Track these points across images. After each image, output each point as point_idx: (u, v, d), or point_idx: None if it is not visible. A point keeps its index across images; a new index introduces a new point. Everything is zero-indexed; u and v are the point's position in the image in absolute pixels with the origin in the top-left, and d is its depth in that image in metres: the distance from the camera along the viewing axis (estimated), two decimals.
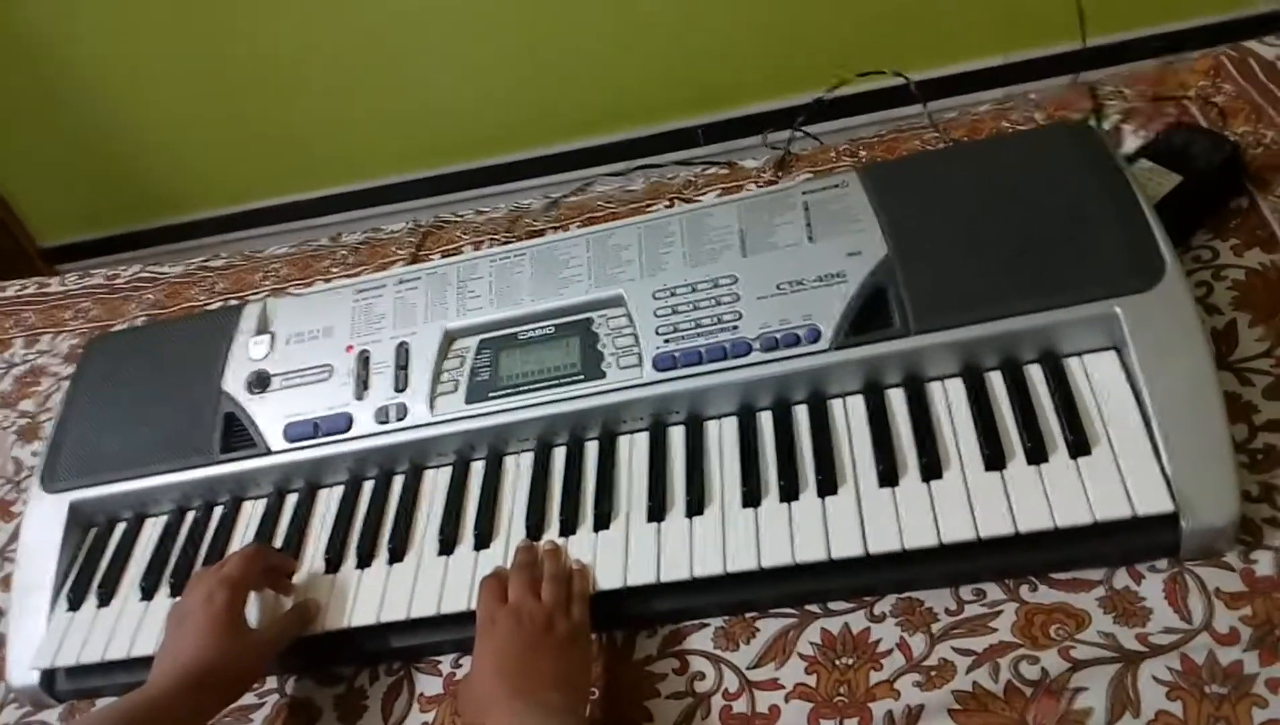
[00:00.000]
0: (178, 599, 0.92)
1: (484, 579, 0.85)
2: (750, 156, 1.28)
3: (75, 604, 0.97)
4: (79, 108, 2.55)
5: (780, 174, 1.21)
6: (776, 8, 2.16)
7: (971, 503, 0.77)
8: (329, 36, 2.32)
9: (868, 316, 0.87)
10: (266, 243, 1.48)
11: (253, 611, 0.89)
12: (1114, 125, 1.07)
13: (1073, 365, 0.83)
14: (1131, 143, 1.04)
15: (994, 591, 0.77)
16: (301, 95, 2.45)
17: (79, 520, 1.03)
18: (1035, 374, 0.83)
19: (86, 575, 1.00)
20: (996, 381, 0.84)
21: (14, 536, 1.14)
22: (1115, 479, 0.75)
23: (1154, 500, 0.73)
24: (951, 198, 0.91)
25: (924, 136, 1.18)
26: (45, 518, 1.03)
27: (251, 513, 1.00)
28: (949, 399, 0.85)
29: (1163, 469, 0.74)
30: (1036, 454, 0.78)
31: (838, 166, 1.18)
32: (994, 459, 0.79)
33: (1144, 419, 0.77)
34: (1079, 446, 0.77)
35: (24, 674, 0.95)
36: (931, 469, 0.80)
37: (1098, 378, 0.81)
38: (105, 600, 0.97)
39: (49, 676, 0.96)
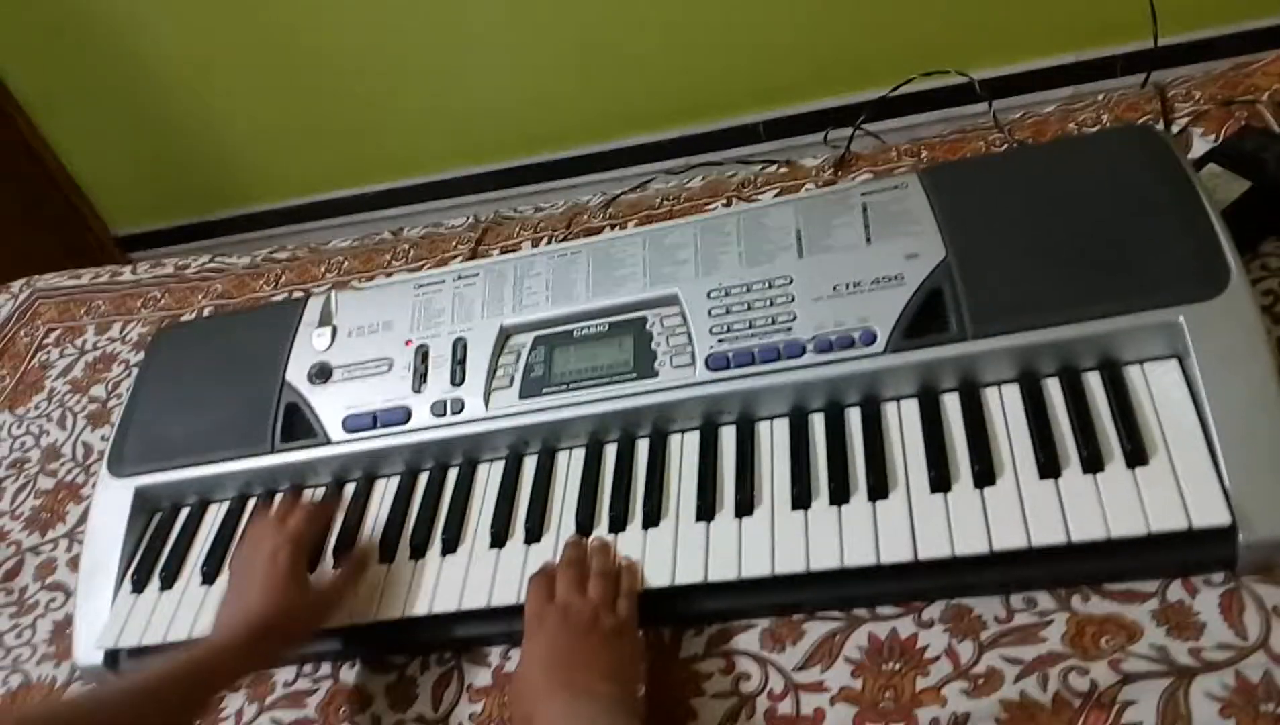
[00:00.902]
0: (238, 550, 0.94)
1: (532, 577, 0.86)
2: (810, 155, 1.27)
3: (139, 587, 1.00)
4: (152, 100, 2.62)
5: (840, 173, 1.20)
6: (839, 2, 2.14)
7: (1024, 510, 0.76)
8: (393, 31, 2.35)
9: (924, 320, 0.86)
10: (331, 234, 1.51)
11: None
12: (1182, 128, 1.05)
13: (1132, 373, 0.81)
14: (1200, 147, 1.02)
15: (1045, 600, 0.76)
16: (366, 90, 2.49)
17: (144, 505, 1.06)
18: (1094, 381, 0.82)
19: (150, 559, 1.02)
20: (1054, 388, 0.83)
21: (82, 519, 1.17)
22: (1172, 490, 0.73)
23: (1211, 512, 0.71)
24: (1012, 200, 0.90)
25: (988, 137, 1.16)
26: (112, 502, 1.06)
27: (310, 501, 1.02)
28: (1005, 405, 0.84)
29: (1221, 481, 0.72)
30: (1092, 463, 0.77)
31: (899, 166, 1.17)
32: (1049, 466, 0.78)
33: (1203, 430, 0.75)
34: (1136, 456, 0.76)
35: (89, 653, 0.98)
36: (985, 475, 0.79)
37: (1158, 387, 0.80)
38: (168, 583, 1.00)
39: (113, 656, 0.98)
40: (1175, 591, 0.74)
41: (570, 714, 0.73)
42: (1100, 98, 1.16)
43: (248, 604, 0.85)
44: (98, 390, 1.36)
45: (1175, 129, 1.05)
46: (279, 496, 0.99)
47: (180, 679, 0.79)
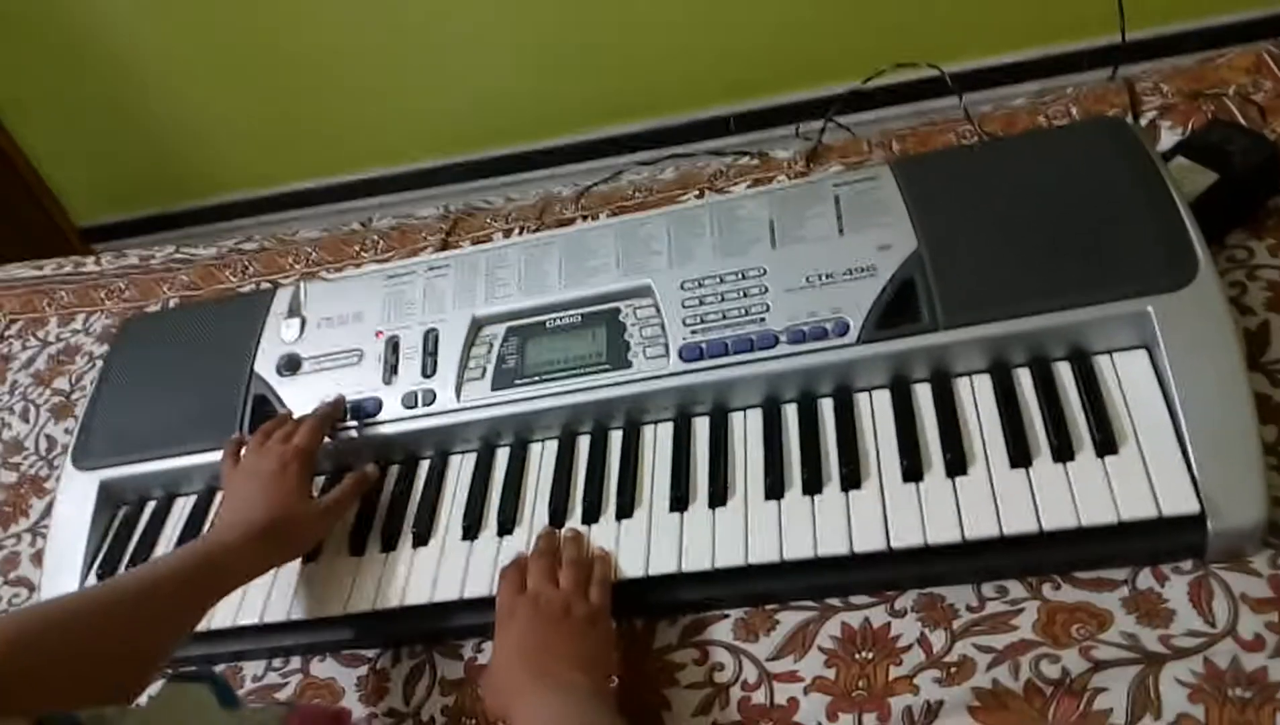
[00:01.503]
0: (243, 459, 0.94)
1: (503, 570, 0.86)
2: (782, 146, 1.27)
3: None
4: (117, 89, 2.58)
5: (812, 165, 1.20)
6: None
7: (996, 499, 0.77)
8: (363, 21, 2.33)
9: (897, 311, 0.86)
10: (300, 225, 1.49)
11: None
12: (1151, 121, 1.06)
13: (1102, 363, 0.82)
14: (1168, 139, 1.03)
15: (1016, 589, 0.77)
16: (336, 79, 2.47)
17: (109, 499, 1.05)
18: (1064, 371, 0.83)
19: (116, 553, 1.01)
20: (1025, 378, 0.83)
21: (46, 513, 1.16)
22: (1142, 478, 0.74)
23: (1180, 501, 0.72)
24: (984, 192, 0.90)
25: (958, 129, 1.17)
26: (76, 496, 1.05)
27: None
28: (976, 395, 0.84)
29: (1190, 469, 0.73)
30: (1063, 452, 0.77)
31: (870, 158, 1.17)
32: (1020, 456, 0.78)
33: (1172, 419, 0.76)
34: (1106, 445, 0.76)
35: None
36: (956, 465, 0.80)
37: (1127, 376, 0.80)
38: None
39: None
40: (1145, 579, 0.74)
41: (544, 706, 0.73)
42: (1069, 91, 1.17)
43: (254, 507, 0.87)
44: (61, 382, 1.34)
45: (1144, 122, 1.06)
46: (281, 417, 0.99)
47: (182, 578, 0.79)
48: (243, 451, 0.95)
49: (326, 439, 0.97)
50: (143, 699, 0.76)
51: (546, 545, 0.86)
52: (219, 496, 1.03)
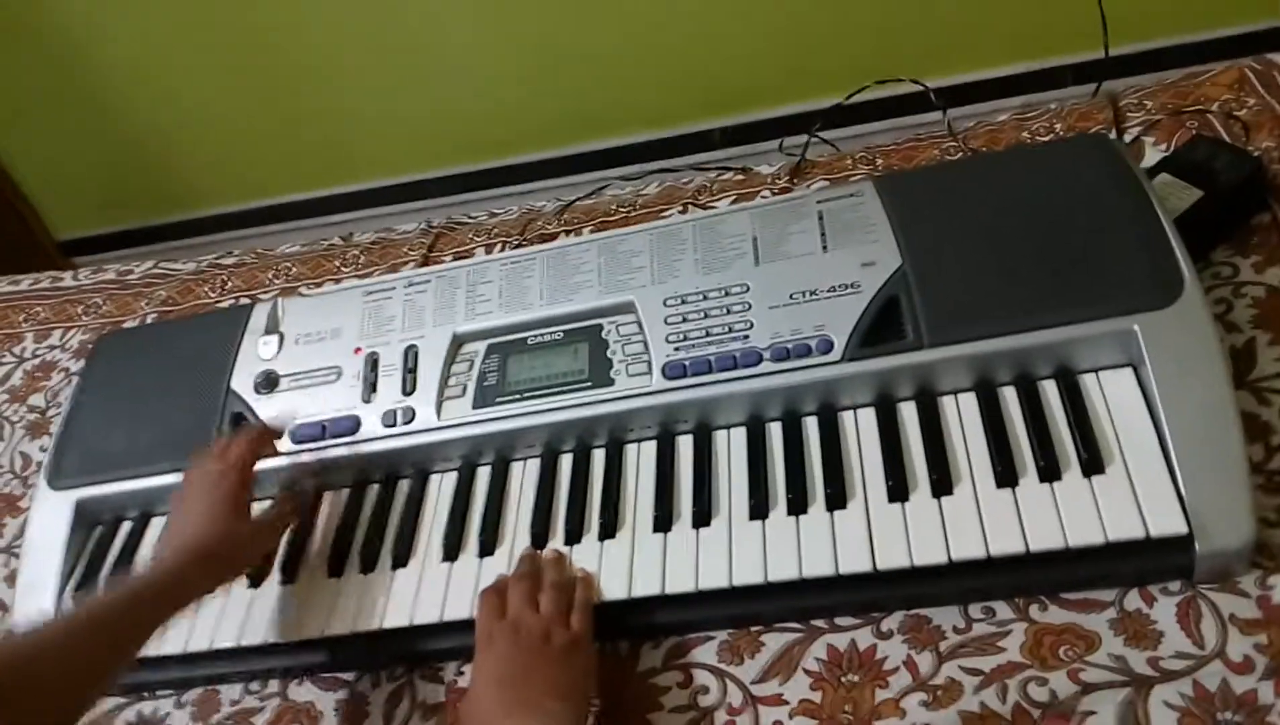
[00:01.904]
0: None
1: (482, 593, 0.84)
2: (766, 162, 1.26)
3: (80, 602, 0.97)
4: (97, 102, 2.56)
5: (796, 180, 1.20)
6: (795, 11, 2.15)
7: (982, 520, 0.76)
8: (346, 37, 2.32)
9: (881, 328, 0.86)
10: (281, 239, 1.48)
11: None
12: (1135, 138, 1.06)
13: (1088, 382, 0.81)
14: (1152, 156, 1.03)
15: (1003, 610, 0.76)
16: (318, 94, 2.45)
17: (84, 518, 1.03)
18: (1050, 390, 0.82)
19: (92, 573, 0.99)
20: (1010, 397, 0.83)
21: (20, 532, 1.14)
22: (1129, 499, 0.74)
23: (1167, 521, 0.72)
24: (968, 209, 0.90)
25: (942, 145, 1.16)
26: (50, 515, 1.03)
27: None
28: (961, 414, 0.83)
29: (1177, 489, 0.73)
30: (1049, 472, 0.77)
31: (854, 174, 1.17)
32: (1006, 476, 0.78)
33: (1159, 438, 0.76)
34: (1093, 465, 0.76)
35: None
36: (942, 485, 0.79)
37: (1113, 395, 0.80)
38: None
39: None
40: (1133, 601, 0.74)
41: None
42: (1053, 107, 1.16)
43: (189, 530, 0.85)
44: (36, 399, 1.32)
45: (1128, 138, 1.06)
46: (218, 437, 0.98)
47: (123, 609, 0.77)
48: None
49: (283, 460, 0.96)
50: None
51: (528, 568, 0.85)
52: None
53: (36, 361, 1.38)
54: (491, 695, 0.76)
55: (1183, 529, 0.71)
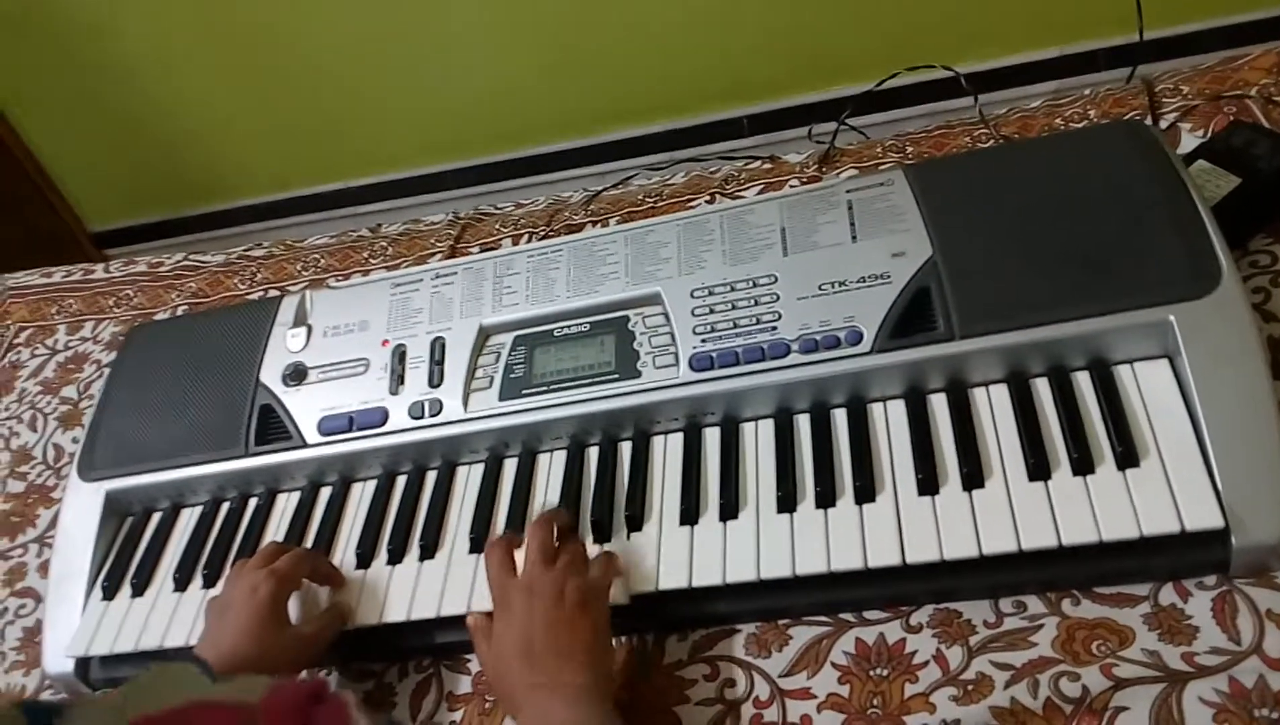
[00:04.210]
0: (213, 591, 0.92)
1: (489, 545, 0.83)
2: (795, 150, 1.25)
3: (110, 593, 0.98)
4: (128, 96, 2.58)
5: (824, 169, 1.18)
6: None
7: (1014, 513, 0.75)
8: (371, 25, 2.32)
9: (911, 319, 0.85)
10: (309, 230, 1.49)
11: (294, 609, 0.88)
12: (1171, 124, 1.04)
13: (1123, 373, 0.80)
14: (1189, 142, 1.01)
15: (1035, 604, 0.75)
16: (346, 84, 2.46)
17: (115, 509, 1.04)
18: (1083, 382, 0.81)
19: (122, 565, 1.00)
20: (1043, 388, 0.82)
21: (53, 523, 1.15)
22: (1164, 492, 0.72)
23: (1203, 515, 0.70)
24: (1000, 198, 0.88)
25: (973, 133, 1.15)
26: (82, 506, 1.04)
27: (285, 505, 1.00)
28: (993, 406, 0.82)
29: (1213, 483, 0.71)
30: (1083, 464, 0.76)
31: (884, 162, 1.16)
32: (1038, 468, 0.77)
33: (1195, 431, 0.74)
34: (1127, 458, 0.75)
35: (59, 661, 0.96)
36: (973, 477, 0.78)
37: (1148, 387, 0.78)
38: (139, 590, 0.97)
39: (83, 664, 0.96)
40: (1167, 595, 0.73)
41: (545, 714, 0.72)
42: (1087, 92, 1.15)
43: (220, 641, 0.83)
44: (69, 391, 1.33)
45: (1164, 124, 1.04)
46: (264, 543, 0.95)
47: None
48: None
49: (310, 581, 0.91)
50: None
51: (540, 524, 0.83)
52: (224, 508, 1.02)
53: (69, 353, 1.40)
54: (515, 664, 0.75)
55: (1219, 523, 0.70)
